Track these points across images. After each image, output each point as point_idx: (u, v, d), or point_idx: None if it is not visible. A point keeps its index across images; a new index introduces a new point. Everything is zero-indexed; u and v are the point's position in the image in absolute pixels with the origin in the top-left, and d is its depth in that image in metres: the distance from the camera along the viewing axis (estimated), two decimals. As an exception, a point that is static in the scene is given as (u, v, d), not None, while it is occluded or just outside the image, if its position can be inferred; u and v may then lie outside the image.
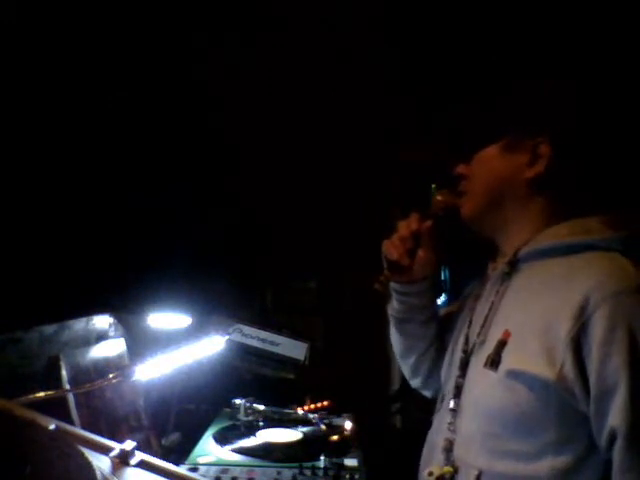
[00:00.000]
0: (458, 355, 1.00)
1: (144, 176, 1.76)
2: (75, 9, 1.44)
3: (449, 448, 0.92)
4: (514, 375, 0.82)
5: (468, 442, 0.89)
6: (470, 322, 1.01)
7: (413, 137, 1.99)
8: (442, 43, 1.78)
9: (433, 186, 1.08)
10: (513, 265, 0.94)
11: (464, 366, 0.96)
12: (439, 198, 1.07)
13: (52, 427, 0.68)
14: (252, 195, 2.18)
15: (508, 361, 0.84)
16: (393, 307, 1.16)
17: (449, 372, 1.03)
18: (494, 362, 0.86)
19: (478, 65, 1.71)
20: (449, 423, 0.94)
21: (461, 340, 1.01)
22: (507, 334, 0.87)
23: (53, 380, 1.27)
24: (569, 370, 0.77)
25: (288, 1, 1.67)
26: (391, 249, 1.07)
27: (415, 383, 1.24)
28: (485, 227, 1.02)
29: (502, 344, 0.86)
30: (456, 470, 0.89)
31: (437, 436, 0.98)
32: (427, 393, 1.24)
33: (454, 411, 0.94)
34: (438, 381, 1.15)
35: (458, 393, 0.95)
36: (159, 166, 1.82)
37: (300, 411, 1.83)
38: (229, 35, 1.77)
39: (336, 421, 1.76)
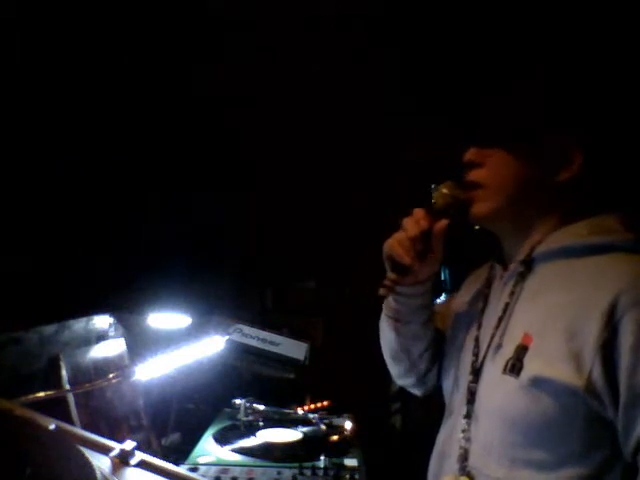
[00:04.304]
0: (468, 359, 0.94)
1: (143, 176, 1.76)
2: (76, 8, 1.44)
3: (464, 457, 0.87)
4: (538, 382, 0.79)
5: (486, 451, 0.85)
6: (480, 324, 0.96)
7: (418, 136, 1.98)
8: (443, 40, 1.77)
9: (433, 186, 1.03)
10: (528, 265, 0.89)
11: (477, 371, 0.91)
12: (445, 191, 0.95)
13: (52, 427, 0.68)
14: (252, 195, 2.19)
15: (531, 367, 0.80)
16: (391, 308, 1.06)
17: (458, 377, 0.98)
18: (515, 368, 0.82)
19: (485, 59, 1.69)
20: (463, 431, 0.89)
21: (470, 343, 0.96)
22: (528, 338, 0.82)
23: (53, 380, 1.27)
24: (598, 377, 0.74)
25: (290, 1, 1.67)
26: (400, 251, 0.94)
27: (405, 382, 1.18)
28: (499, 227, 0.96)
29: (523, 349, 0.82)
30: None
31: (448, 445, 0.93)
32: (417, 392, 1.19)
33: (468, 418, 0.89)
34: (432, 380, 1.12)
35: (472, 399, 0.90)
36: (159, 166, 1.82)
37: (300, 411, 1.83)
38: (229, 34, 1.77)
39: (336, 421, 1.76)
